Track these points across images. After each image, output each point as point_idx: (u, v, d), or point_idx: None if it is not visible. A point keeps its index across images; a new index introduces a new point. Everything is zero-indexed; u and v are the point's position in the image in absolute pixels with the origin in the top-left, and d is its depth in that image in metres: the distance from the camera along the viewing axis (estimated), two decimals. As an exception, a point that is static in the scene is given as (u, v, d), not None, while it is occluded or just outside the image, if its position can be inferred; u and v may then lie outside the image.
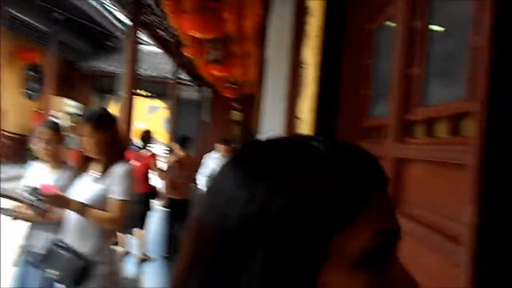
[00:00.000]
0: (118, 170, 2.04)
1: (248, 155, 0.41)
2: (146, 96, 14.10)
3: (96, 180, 2.05)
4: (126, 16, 5.61)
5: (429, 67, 1.23)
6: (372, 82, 1.74)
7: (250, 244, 0.36)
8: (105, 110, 2.22)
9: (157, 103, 14.52)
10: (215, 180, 0.42)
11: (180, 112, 11.14)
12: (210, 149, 7.17)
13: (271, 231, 0.36)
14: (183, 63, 9.08)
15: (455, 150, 0.99)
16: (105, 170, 2.05)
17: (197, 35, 4.57)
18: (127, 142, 5.74)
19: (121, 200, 2.00)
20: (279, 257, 0.36)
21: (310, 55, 1.99)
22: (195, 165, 5.73)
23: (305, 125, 1.92)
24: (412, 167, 1.28)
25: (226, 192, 0.39)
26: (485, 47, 0.82)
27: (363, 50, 1.79)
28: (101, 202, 2.01)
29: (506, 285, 0.80)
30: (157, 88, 13.28)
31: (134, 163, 5.07)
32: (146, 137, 5.25)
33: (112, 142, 2.07)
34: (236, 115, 13.35)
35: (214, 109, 13.56)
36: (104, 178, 2.04)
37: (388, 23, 1.61)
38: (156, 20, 6.34)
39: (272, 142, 0.42)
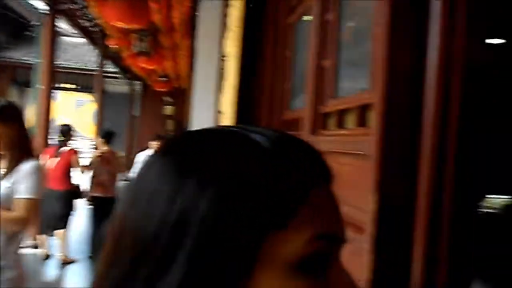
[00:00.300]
0: (25, 167, 1.89)
1: (177, 146, 0.38)
2: (71, 89, 13.38)
3: (1, 178, 1.88)
4: (43, 2, 5.25)
5: (341, 60, 1.25)
6: (292, 75, 1.75)
7: (172, 245, 0.33)
8: (8, 102, 2.04)
9: (86, 96, 13.83)
10: (139, 174, 0.38)
11: (109, 106, 10.69)
12: (141, 144, 6.96)
13: (197, 230, 0.32)
14: (109, 55, 8.70)
15: (360, 141, 1.01)
16: (11, 167, 1.88)
17: (122, 25, 4.39)
18: (45, 137, 5.41)
19: (27, 198, 1.85)
20: (204, 259, 0.32)
21: (231, 47, 1.96)
22: (119, 161, 5.49)
23: (226, 119, 1.89)
24: (326, 159, 1.30)
25: (150, 187, 0.35)
26: (383, 38, 0.84)
27: (283, 43, 1.80)
28: (6, 202, 1.84)
29: (404, 273, 0.82)
30: (83, 81, 12.64)
31: (53, 159, 4.79)
32: (66, 131, 4.95)
33: (18, 137, 1.90)
34: (168, 109, 13.08)
35: (145, 103, 13.18)
36: (10, 176, 1.88)
37: (306, 17, 1.63)
38: (77, 8, 5.99)
39: (204, 133, 0.39)
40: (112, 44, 6.15)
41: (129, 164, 7.49)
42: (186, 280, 0.32)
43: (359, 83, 1.14)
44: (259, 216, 0.33)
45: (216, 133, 0.39)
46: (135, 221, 0.35)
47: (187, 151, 0.36)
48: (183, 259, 0.32)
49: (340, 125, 1.19)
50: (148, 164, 0.38)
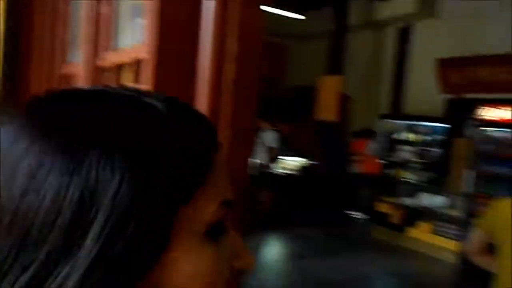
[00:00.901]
0: None
1: (55, 110, 0.32)
2: None
3: None
4: None
5: (120, 7, 1.12)
6: (70, 23, 1.52)
7: (78, 224, 0.28)
8: None
9: None
10: (6, 144, 0.32)
11: None
12: None
13: (109, 206, 0.29)
14: None
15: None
16: None
17: None
18: None
19: None
20: (119, 237, 0.29)
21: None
22: None
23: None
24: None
25: (34, 160, 0.30)
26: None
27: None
28: None
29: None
30: None
31: None
32: None
33: None
34: None
35: None
36: None
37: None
38: None
39: (85, 94, 0.34)
40: None
41: None
42: (96, 262, 0.28)
43: (137, 34, 1.04)
44: (174, 185, 0.31)
45: (103, 96, 0.33)
46: (14, 200, 0.30)
47: (75, 116, 0.31)
48: (92, 240, 0.29)
49: (119, 81, 1.08)
50: (20, 133, 0.31)
